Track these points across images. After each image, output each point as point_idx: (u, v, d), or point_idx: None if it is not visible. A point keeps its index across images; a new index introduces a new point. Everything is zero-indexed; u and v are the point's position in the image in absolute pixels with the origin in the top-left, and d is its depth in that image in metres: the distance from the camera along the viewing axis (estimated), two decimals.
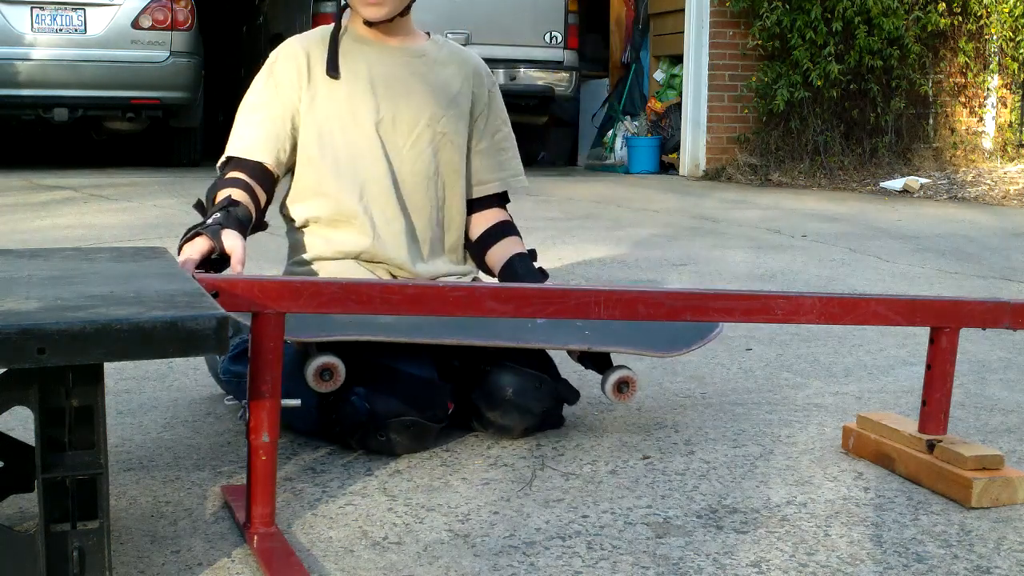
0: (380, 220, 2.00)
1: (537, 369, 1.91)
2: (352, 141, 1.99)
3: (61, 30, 7.02)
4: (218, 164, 1.98)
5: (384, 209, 2.00)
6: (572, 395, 1.97)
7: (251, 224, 1.86)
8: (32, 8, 6.95)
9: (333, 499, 1.63)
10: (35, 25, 6.97)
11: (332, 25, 2.03)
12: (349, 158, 1.99)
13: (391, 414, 1.78)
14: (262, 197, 1.94)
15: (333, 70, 1.99)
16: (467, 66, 2.12)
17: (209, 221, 1.76)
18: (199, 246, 1.70)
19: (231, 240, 1.71)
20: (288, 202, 2.06)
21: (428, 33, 2.13)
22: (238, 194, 1.86)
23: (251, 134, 1.97)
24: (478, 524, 1.54)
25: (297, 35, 2.08)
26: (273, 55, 2.03)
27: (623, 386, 1.87)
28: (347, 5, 2.04)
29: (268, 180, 1.95)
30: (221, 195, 1.85)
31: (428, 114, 2.03)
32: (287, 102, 1.98)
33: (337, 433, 1.85)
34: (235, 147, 1.95)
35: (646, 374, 2.42)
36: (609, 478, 1.75)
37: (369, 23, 2.01)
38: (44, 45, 6.97)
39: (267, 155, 1.95)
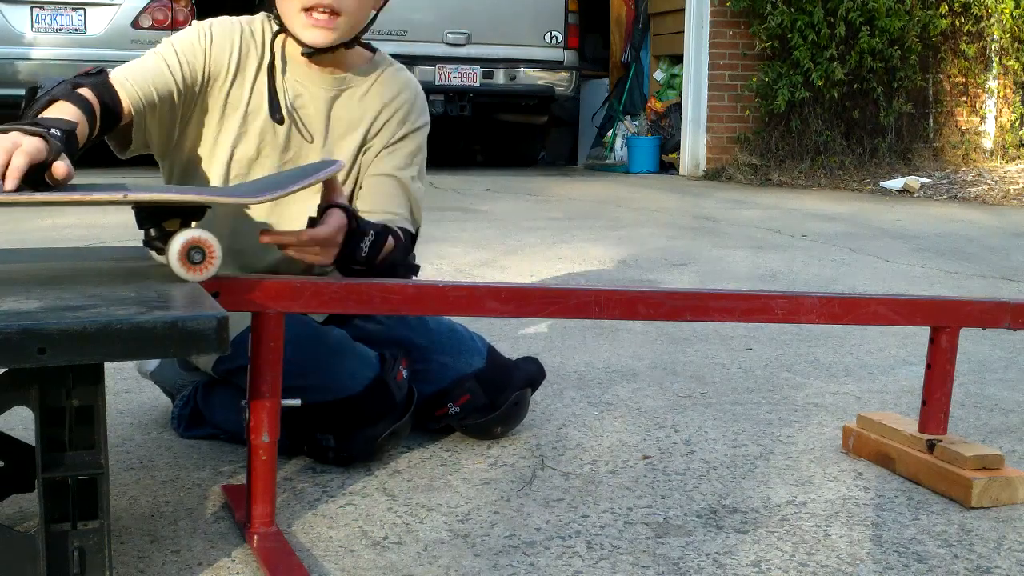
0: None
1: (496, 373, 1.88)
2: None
3: (61, 30, 7.02)
4: (86, 70, 1.57)
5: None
6: (536, 373, 1.94)
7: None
8: (32, 8, 6.95)
9: (333, 499, 1.63)
10: (35, 25, 6.97)
11: (269, 48, 1.73)
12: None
13: (370, 448, 1.75)
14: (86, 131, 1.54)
15: (275, 112, 1.73)
16: (403, 95, 1.83)
17: (52, 122, 1.42)
18: (35, 146, 1.33)
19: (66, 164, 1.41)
20: None
21: (374, 50, 1.84)
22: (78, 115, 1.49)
23: (140, 72, 1.63)
24: (478, 524, 1.54)
25: (243, 18, 1.75)
26: (213, 24, 1.72)
27: (194, 252, 1.33)
28: (280, 29, 1.72)
29: (110, 119, 1.59)
30: (62, 109, 1.47)
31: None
32: (194, 80, 1.69)
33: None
34: (119, 72, 1.61)
35: (646, 374, 2.43)
36: (609, 478, 1.75)
37: (308, 51, 1.71)
38: (44, 45, 6.97)
39: (134, 100, 1.61)
